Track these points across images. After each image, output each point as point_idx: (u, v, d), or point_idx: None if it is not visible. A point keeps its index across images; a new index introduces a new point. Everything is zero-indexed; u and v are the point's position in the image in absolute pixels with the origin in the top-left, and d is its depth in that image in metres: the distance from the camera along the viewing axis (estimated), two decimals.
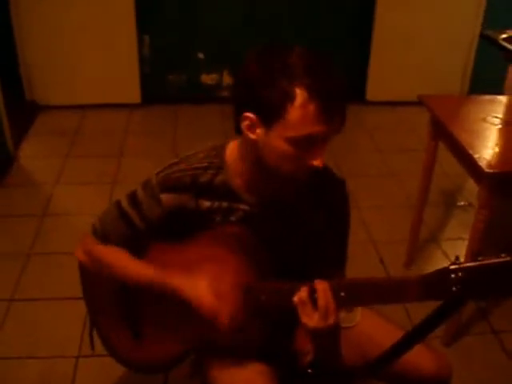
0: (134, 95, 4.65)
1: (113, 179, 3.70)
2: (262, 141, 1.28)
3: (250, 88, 1.26)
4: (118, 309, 1.58)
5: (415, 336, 1.32)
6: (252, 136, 1.29)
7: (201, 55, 4.63)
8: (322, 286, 1.27)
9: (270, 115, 1.23)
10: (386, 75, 4.78)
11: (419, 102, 2.63)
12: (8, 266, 2.87)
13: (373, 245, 3.11)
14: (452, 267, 1.16)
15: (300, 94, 1.20)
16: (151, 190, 1.43)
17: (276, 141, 1.25)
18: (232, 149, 1.44)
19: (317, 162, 1.28)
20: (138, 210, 1.44)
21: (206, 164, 1.43)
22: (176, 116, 4.57)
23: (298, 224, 1.49)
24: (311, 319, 1.28)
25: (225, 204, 1.44)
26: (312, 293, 1.28)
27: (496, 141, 2.31)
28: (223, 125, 4.29)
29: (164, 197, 1.42)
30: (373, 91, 4.85)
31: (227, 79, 4.73)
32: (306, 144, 1.25)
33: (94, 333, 1.68)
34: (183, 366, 1.66)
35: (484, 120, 2.45)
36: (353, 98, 4.59)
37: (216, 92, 4.79)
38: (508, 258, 1.12)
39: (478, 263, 1.14)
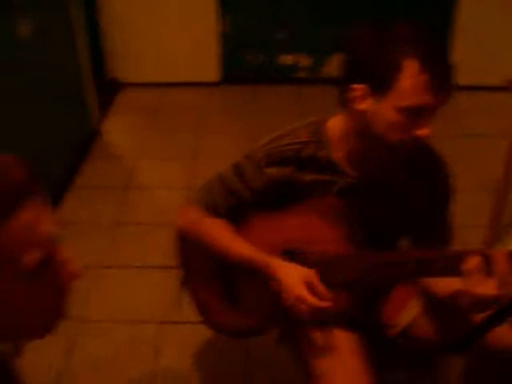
0: (213, 74, 4.71)
1: (193, 155, 3.78)
2: (372, 111, 1.31)
3: (361, 60, 1.30)
4: (214, 274, 1.64)
5: (505, 313, 1.31)
6: (361, 107, 1.32)
7: (280, 36, 4.63)
8: (501, 254, 1.23)
9: (382, 85, 1.27)
10: (471, 58, 4.63)
11: (506, 87, 2.58)
12: (95, 235, 2.99)
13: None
14: None
15: (412, 65, 1.23)
16: (256, 162, 1.48)
17: (386, 110, 1.29)
18: (333, 123, 1.48)
19: (424, 132, 1.30)
20: (242, 181, 1.50)
21: (308, 138, 1.47)
22: (254, 96, 4.60)
23: (397, 198, 1.51)
24: (486, 287, 1.23)
25: (326, 177, 1.47)
26: (489, 260, 1.23)
27: None
28: (300, 106, 4.32)
29: (268, 170, 1.47)
30: (459, 75, 4.73)
31: (305, 61, 4.73)
32: (414, 114, 1.27)
33: (183, 298, 1.74)
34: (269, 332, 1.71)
35: None
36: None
37: (294, 73, 4.79)
38: None
39: None
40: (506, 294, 1.22)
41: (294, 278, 1.42)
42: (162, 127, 4.19)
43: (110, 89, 4.65)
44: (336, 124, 1.47)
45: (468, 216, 3.18)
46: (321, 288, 1.41)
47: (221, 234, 1.54)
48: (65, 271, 0.76)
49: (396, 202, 1.51)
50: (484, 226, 2.95)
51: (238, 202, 1.52)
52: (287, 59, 4.76)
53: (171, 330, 2.44)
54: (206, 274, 1.66)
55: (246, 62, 4.76)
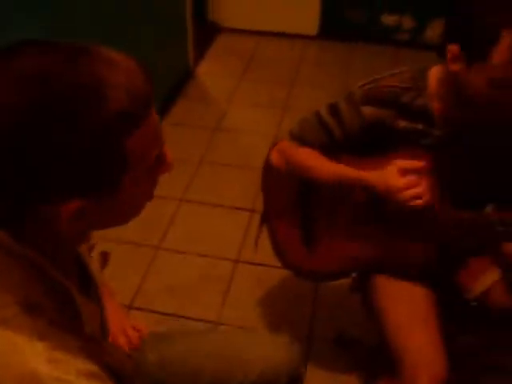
0: (311, 27, 4.66)
1: (283, 105, 3.79)
2: (463, 76, 1.30)
3: (459, 22, 1.29)
4: (295, 214, 1.66)
5: None
6: (453, 67, 1.31)
7: None
8: None
9: (477, 54, 1.25)
10: None
11: None
12: (180, 170, 3.06)
13: None
14: None
15: (508, 38, 1.19)
16: (353, 101, 1.47)
17: (477, 79, 1.28)
18: (435, 73, 1.45)
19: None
20: (337, 119, 1.50)
21: (409, 84, 1.45)
22: (351, 53, 4.54)
23: (489, 157, 1.47)
24: None
25: (420, 126, 1.45)
26: None
27: None
28: (397, 68, 4.22)
29: (365, 109, 1.46)
30: None
31: (408, 23, 4.60)
32: (504, 87, 1.25)
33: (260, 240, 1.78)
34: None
35: None
36: None
37: (395, 34, 4.68)
38: None
39: None
40: None
41: (390, 175, 1.41)
42: (255, 75, 4.21)
43: (208, 32, 4.70)
44: (438, 74, 1.44)
45: None
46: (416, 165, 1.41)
47: (315, 157, 1.54)
48: (164, 163, 0.82)
49: (489, 160, 1.48)
50: None
51: (330, 141, 1.52)
52: (389, 19, 4.65)
53: (244, 269, 2.50)
54: (288, 211, 1.68)
55: (346, 18, 4.67)
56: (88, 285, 0.95)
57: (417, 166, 1.39)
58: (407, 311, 1.51)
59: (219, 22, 4.77)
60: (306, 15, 4.63)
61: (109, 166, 0.72)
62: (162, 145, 0.80)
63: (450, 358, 1.49)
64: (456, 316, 1.69)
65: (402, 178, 1.38)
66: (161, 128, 0.79)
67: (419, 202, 1.37)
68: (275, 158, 1.64)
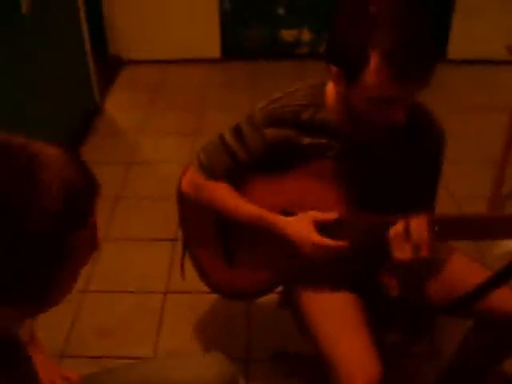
0: (213, 50, 4.72)
1: (195, 131, 3.80)
2: (346, 94, 1.36)
3: (334, 43, 1.32)
4: (214, 237, 1.67)
5: (504, 276, 1.34)
6: (338, 87, 1.37)
7: (281, 11, 4.63)
8: (417, 220, 1.30)
9: (349, 74, 1.30)
10: (470, 31, 4.64)
11: (504, 61, 2.59)
12: (97, 210, 3.00)
13: (453, 200, 3.10)
14: None
15: (375, 58, 1.23)
16: (255, 123, 1.50)
17: (357, 98, 1.33)
18: (332, 88, 1.48)
19: (397, 119, 1.33)
20: (241, 143, 1.52)
21: (307, 101, 1.49)
22: (255, 71, 4.61)
23: (393, 162, 1.52)
24: (401, 252, 1.32)
25: (324, 140, 1.49)
26: (408, 227, 1.31)
27: None
28: (302, 82, 4.31)
29: (267, 131, 1.49)
30: (456, 49, 4.74)
31: (307, 36, 4.73)
32: (383, 103, 1.30)
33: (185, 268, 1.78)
34: (270, 299, 1.74)
35: None
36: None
37: (295, 48, 4.79)
38: None
39: None
40: (419, 258, 1.31)
41: (304, 228, 1.44)
42: (164, 103, 4.21)
43: (112, 65, 4.67)
44: (334, 88, 1.48)
45: (469, 187, 3.21)
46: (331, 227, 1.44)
47: (225, 196, 1.56)
48: (94, 247, 0.81)
49: (392, 165, 1.53)
50: (484, 196, 2.97)
51: (236, 164, 1.54)
52: (288, 34, 4.76)
53: (174, 299, 2.47)
54: (207, 236, 1.68)
55: (246, 37, 4.76)
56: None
57: (330, 217, 1.44)
58: (336, 320, 1.53)
59: (122, 54, 4.75)
60: (207, 39, 4.69)
61: (45, 268, 0.70)
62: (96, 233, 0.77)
63: (381, 357, 1.53)
64: (383, 315, 1.73)
65: (315, 233, 1.43)
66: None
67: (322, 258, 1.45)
68: (186, 189, 1.64)
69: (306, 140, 1.49)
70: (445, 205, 3.13)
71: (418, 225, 1.30)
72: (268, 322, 2.32)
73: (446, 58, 4.72)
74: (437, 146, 1.56)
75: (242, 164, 1.54)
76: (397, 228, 1.33)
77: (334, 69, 1.33)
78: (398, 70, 1.23)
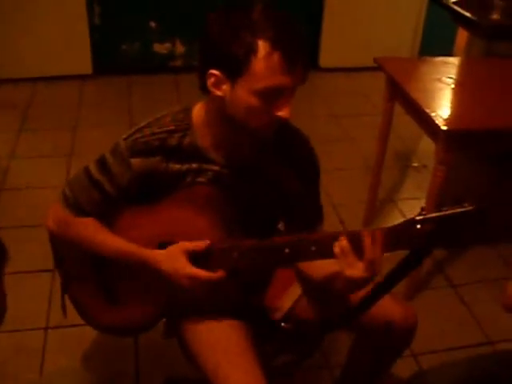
0: (85, 66, 4.57)
1: (68, 151, 3.65)
2: (229, 96, 1.31)
3: (214, 45, 1.30)
4: (90, 274, 1.59)
5: (385, 286, 1.36)
6: (218, 93, 1.32)
7: (153, 24, 4.57)
8: (369, 236, 1.24)
9: (235, 69, 1.27)
10: (338, 41, 4.81)
11: (373, 67, 2.69)
12: None
13: (332, 207, 3.17)
14: (418, 218, 1.20)
15: (263, 46, 1.24)
16: (120, 154, 1.44)
17: (243, 95, 1.29)
18: (199, 110, 1.46)
19: (283, 113, 1.31)
20: (108, 176, 1.45)
21: (173, 127, 1.44)
22: (129, 86, 4.52)
23: (267, 183, 1.52)
24: (355, 269, 1.25)
25: (194, 165, 1.46)
26: (354, 242, 1.25)
27: (450, 100, 2.39)
28: (177, 94, 4.28)
29: (134, 161, 1.43)
30: (326, 58, 4.88)
31: (180, 48, 4.69)
32: (272, 96, 1.28)
33: (65, 300, 1.69)
34: (156, 327, 1.68)
35: (438, 80, 2.52)
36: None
37: (169, 61, 4.75)
38: (470, 207, 1.18)
39: (442, 213, 1.19)
40: (374, 274, 1.26)
41: (177, 261, 1.39)
42: (35, 124, 4.01)
43: None
44: (201, 111, 1.45)
45: (347, 193, 3.30)
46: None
47: (92, 233, 1.49)
48: None
49: (267, 186, 1.52)
50: (362, 201, 3.06)
51: (104, 197, 1.47)
52: (162, 48, 4.70)
53: (57, 335, 2.35)
54: (83, 274, 1.61)
55: (119, 52, 4.65)
56: None
57: (201, 246, 1.40)
58: (222, 349, 1.50)
59: None
60: (78, 55, 4.53)
61: None
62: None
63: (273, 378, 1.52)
64: (270, 338, 1.72)
65: (189, 265, 1.39)
66: None
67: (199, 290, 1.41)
68: (52, 227, 1.56)
69: (176, 166, 1.45)
70: (326, 212, 3.20)
71: (369, 238, 1.24)
72: (156, 349, 2.26)
73: (319, 67, 4.84)
74: (310, 164, 1.58)
75: (110, 197, 1.47)
76: (342, 243, 1.26)
77: (214, 73, 1.30)
78: (287, 53, 1.24)
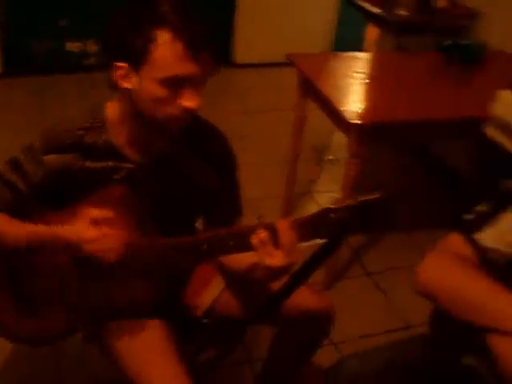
0: None
1: None
2: (136, 88, 1.32)
3: (117, 37, 1.31)
4: (3, 282, 1.54)
5: (303, 274, 1.39)
6: (126, 85, 1.33)
7: (64, 22, 4.46)
8: (283, 225, 1.26)
9: (138, 59, 1.28)
10: (252, 37, 4.84)
11: (286, 63, 2.73)
12: None
13: (250, 202, 3.18)
14: (332, 207, 1.24)
15: (164, 35, 1.26)
16: (33, 152, 1.41)
17: (148, 85, 1.30)
18: (112, 107, 1.45)
19: (190, 104, 1.32)
20: (20, 173, 1.41)
21: (88, 124, 1.43)
22: (42, 86, 4.39)
23: (184, 179, 1.52)
24: (275, 258, 1.27)
25: (110, 163, 1.44)
26: (274, 232, 1.27)
27: (361, 94, 2.46)
28: (92, 93, 4.20)
29: (47, 158, 1.40)
30: (240, 53, 4.91)
31: (93, 47, 4.60)
32: (177, 85, 1.29)
33: None
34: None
35: (349, 75, 2.59)
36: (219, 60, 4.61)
37: (82, 60, 4.65)
38: (380, 195, 1.23)
39: (355, 201, 1.23)
40: (293, 262, 1.29)
41: (81, 227, 1.35)
42: None
43: None
44: (114, 108, 1.44)
45: (264, 188, 3.34)
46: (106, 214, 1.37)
47: (2, 224, 1.42)
48: None
49: (184, 182, 1.53)
50: (280, 196, 3.11)
51: (17, 196, 1.43)
52: (74, 46, 4.60)
53: None
54: None
55: (30, 51, 4.51)
56: None
57: (106, 214, 1.36)
58: (144, 352, 1.49)
59: None
60: None
61: None
62: None
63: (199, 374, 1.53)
64: (193, 336, 1.73)
65: (93, 229, 1.35)
66: None
67: (110, 254, 1.36)
68: None
69: (91, 165, 1.43)
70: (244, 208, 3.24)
71: (285, 228, 1.26)
72: (77, 355, 2.21)
73: (233, 63, 4.87)
74: (227, 160, 1.60)
75: (22, 196, 1.43)
76: (260, 235, 1.27)
77: (120, 65, 1.30)
78: (190, 41, 1.25)
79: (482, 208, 1.37)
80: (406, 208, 2.54)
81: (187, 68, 1.28)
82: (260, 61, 4.88)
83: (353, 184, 2.30)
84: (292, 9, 4.85)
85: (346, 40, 4.81)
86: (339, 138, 2.39)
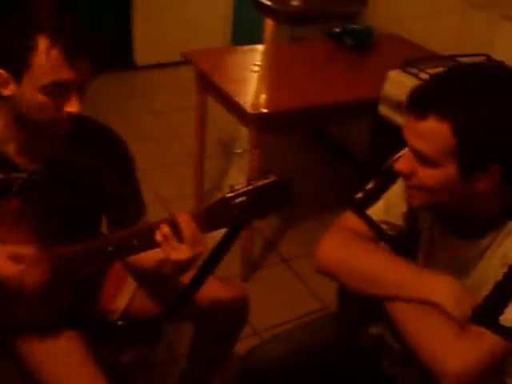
0: None
1: None
2: (18, 95, 1.31)
3: None
4: None
5: (210, 263, 1.40)
6: (6, 92, 1.31)
7: None
8: (183, 218, 1.27)
9: (18, 67, 1.27)
10: (151, 37, 4.81)
11: (181, 62, 2.73)
12: None
13: (162, 204, 3.20)
14: (228, 195, 1.26)
15: (43, 41, 1.25)
16: None
17: (29, 92, 1.29)
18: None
19: (72, 109, 1.32)
20: None
21: None
22: None
23: (82, 183, 1.50)
24: (180, 252, 1.28)
25: (0, 176, 1.41)
26: (176, 226, 1.27)
27: (257, 86, 2.50)
28: None
29: None
30: (141, 55, 4.87)
31: None
32: (58, 91, 1.29)
33: None
34: None
35: (246, 68, 2.63)
36: (120, 63, 4.59)
37: None
38: (274, 178, 1.26)
39: (250, 187, 1.25)
40: (198, 253, 1.30)
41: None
42: None
43: None
44: (0, 116, 1.41)
45: (175, 188, 3.34)
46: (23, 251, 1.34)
47: None
48: None
49: (82, 187, 1.51)
50: (191, 194, 3.12)
51: None
52: None
53: None
54: None
55: None
56: None
57: (23, 252, 1.34)
58: (61, 362, 1.47)
59: None
60: None
61: None
62: None
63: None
64: (111, 340, 1.72)
65: (10, 264, 1.32)
66: None
67: (34, 285, 1.34)
68: None
69: None
70: (153, 208, 3.21)
71: (186, 221, 1.26)
72: None
73: (135, 65, 4.82)
74: (124, 161, 1.59)
75: None
76: (163, 230, 1.27)
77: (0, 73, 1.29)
78: (67, 47, 1.26)
79: (369, 185, 1.45)
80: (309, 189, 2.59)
81: (65, 74, 1.27)
82: (161, 61, 4.85)
83: (258, 174, 2.33)
84: (188, 7, 4.85)
85: (246, 32, 4.85)
86: (245, 131, 2.42)
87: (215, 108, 2.80)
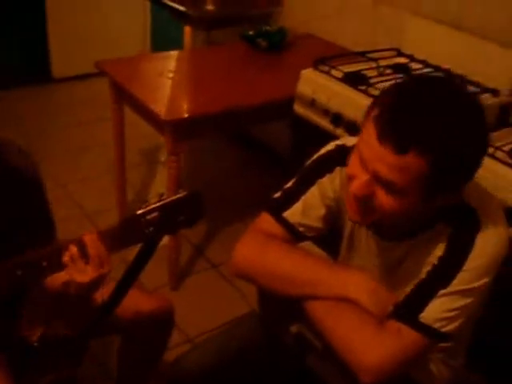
0: None
1: None
2: None
3: None
4: None
5: (125, 283, 1.38)
6: None
7: None
8: (89, 237, 1.24)
9: None
10: (68, 49, 4.70)
11: (96, 74, 2.69)
12: None
13: (86, 218, 3.14)
14: (139, 212, 1.24)
15: None
16: None
17: None
18: None
19: None
20: None
21: None
22: None
23: None
24: (84, 274, 1.25)
25: None
26: (82, 246, 1.24)
27: (172, 92, 2.48)
28: None
29: None
30: (58, 68, 4.75)
31: None
32: None
33: None
34: None
35: (160, 75, 2.60)
36: (38, 77, 4.50)
37: None
38: (185, 193, 1.26)
39: (161, 202, 1.25)
40: (103, 273, 1.28)
41: None
42: None
43: None
44: None
45: (99, 201, 3.28)
46: None
47: None
48: None
49: None
50: (114, 207, 3.07)
51: None
52: None
53: None
54: None
55: None
56: None
57: None
58: None
59: None
60: None
61: None
62: None
63: None
64: (33, 362, 1.67)
65: None
66: None
67: None
68: None
69: None
70: (79, 223, 3.17)
71: (92, 241, 1.24)
72: None
73: (53, 78, 4.71)
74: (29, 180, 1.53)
75: None
76: (71, 251, 1.24)
77: None
78: None
79: (288, 185, 1.45)
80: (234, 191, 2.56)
81: None
82: (80, 72, 4.74)
83: (177, 181, 2.31)
84: (105, 16, 4.78)
85: (166, 40, 4.81)
86: None
87: (138, 117, 2.77)
